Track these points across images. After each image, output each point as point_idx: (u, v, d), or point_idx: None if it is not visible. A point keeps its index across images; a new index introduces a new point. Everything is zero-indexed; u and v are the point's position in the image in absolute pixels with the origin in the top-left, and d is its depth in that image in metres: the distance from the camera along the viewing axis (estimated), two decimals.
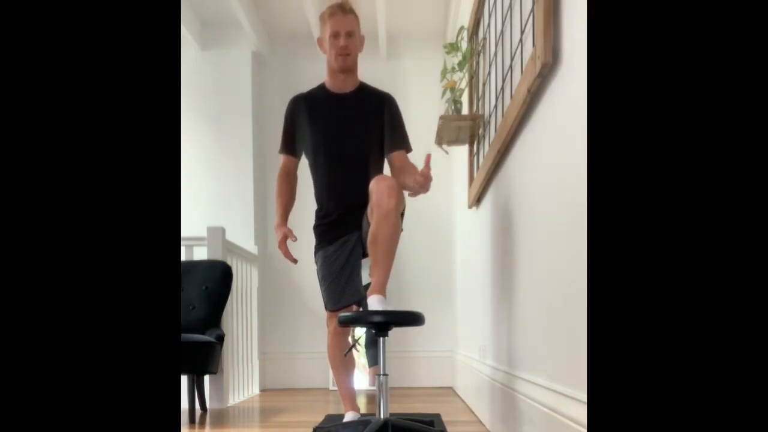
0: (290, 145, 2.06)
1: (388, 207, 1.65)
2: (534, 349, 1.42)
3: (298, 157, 2.08)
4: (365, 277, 2.07)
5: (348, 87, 2.01)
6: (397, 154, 1.98)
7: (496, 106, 1.87)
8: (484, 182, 2.07)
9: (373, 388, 3.28)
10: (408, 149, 2.02)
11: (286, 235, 1.91)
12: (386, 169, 2.03)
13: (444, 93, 2.31)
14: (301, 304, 3.74)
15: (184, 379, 2.46)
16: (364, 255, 1.97)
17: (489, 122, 2.03)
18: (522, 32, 1.45)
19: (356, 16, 1.94)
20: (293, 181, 2.08)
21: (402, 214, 1.79)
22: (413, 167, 1.88)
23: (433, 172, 1.91)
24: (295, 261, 1.97)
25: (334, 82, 2.01)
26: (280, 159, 2.09)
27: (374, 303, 1.63)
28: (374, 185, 1.72)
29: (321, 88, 2.05)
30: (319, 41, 1.98)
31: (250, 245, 3.47)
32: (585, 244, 0.99)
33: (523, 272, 1.53)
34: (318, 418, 2.39)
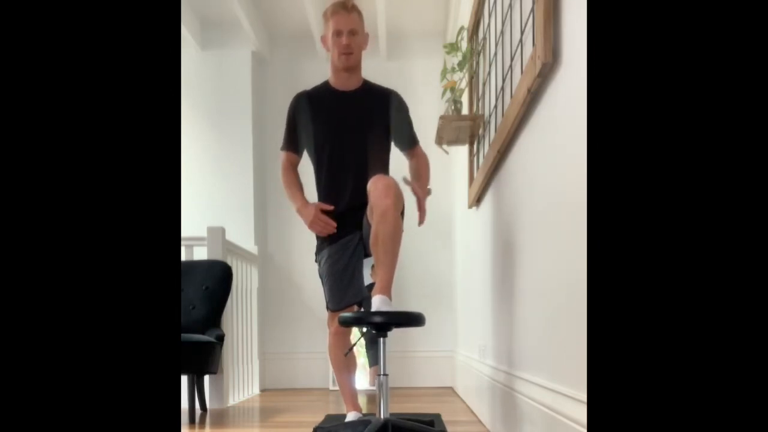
0: (292, 142, 2.05)
1: (385, 206, 1.65)
2: (534, 349, 1.42)
3: (299, 154, 2.08)
4: (367, 277, 2.07)
5: (352, 85, 2.00)
6: (412, 150, 2.12)
7: (496, 106, 1.87)
8: (484, 182, 2.07)
9: (373, 387, 3.28)
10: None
11: (319, 208, 1.92)
12: (391, 167, 2.04)
13: (444, 93, 2.30)
14: (301, 304, 3.74)
15: (184, 379, 2.46)
16: (367, 255, 1.97)
17: (489, 122, 2.03)
18: (522, 32, 1.45)
19: (360, 14, 1.94)
20: (297, 175, 2.09)
21: (402, 213, 1.79)
22: (425, 160, 2.11)
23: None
24: (335, 227, 1.93)
25: (338, 80, 2.00)
26: (281, 156, 2.08)
27: (378, 303, 1.62)
28: (371, 185, 1.72)
29: (325, 86, 2.04)
30: (323, 39, 1.98)
31: (250, 245, 3.47)
32: (585, 244, 0.99)
33: (523, 272, 1.53)
34: (318, 418, 2.39)
